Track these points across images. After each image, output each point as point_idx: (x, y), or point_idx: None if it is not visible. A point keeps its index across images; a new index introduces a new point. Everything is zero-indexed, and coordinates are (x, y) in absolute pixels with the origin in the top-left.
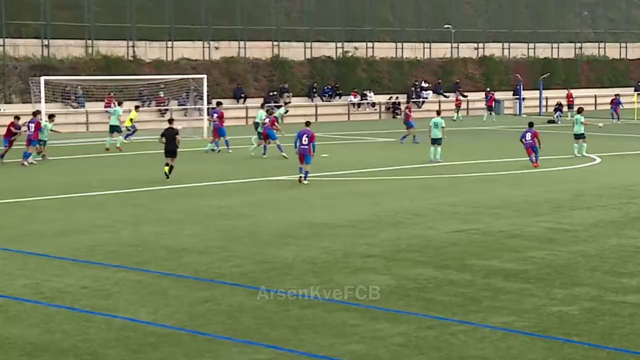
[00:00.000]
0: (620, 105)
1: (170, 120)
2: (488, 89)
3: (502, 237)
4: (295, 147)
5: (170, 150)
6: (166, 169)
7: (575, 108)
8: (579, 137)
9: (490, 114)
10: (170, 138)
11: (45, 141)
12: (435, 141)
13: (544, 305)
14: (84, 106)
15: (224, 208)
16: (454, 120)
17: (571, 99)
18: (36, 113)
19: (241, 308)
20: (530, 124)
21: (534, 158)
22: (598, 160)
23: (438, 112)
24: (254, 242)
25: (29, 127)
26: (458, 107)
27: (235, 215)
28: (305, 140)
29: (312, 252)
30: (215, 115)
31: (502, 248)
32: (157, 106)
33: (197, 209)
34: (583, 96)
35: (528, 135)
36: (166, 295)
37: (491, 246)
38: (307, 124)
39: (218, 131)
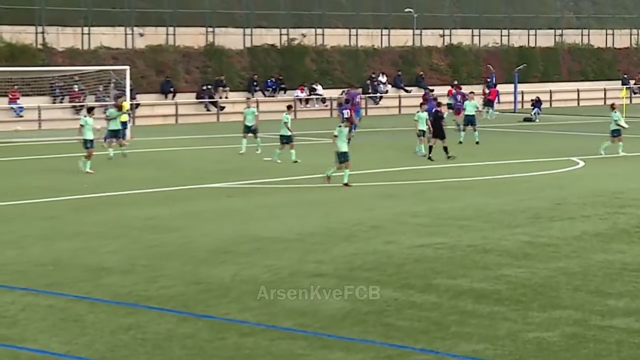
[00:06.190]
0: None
1: (438, 104)
2: (455, 83)
3: (472, 253)
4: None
5: (438, 132)
6: (440, 152)
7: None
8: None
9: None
10: (436, 120)
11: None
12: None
13: (519, 330)
14: None
15: (152, 220)
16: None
17: (495, 96)
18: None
19: (170, 336)
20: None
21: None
22: (581, 163)
23: (421, 105)
24: (185, 259)
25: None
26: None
27: (165, 228)
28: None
29: (253, 270)
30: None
31: (472, 265)
32: (71, 102)
33: (120, 221)
34: (564, 90)
35: None
36: (82, 323)
37: (460, 263)
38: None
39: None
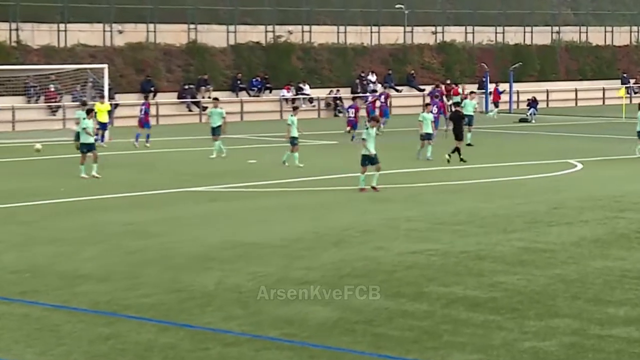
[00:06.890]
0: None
1: (457, 104)
2: (448, 82)
3: (466, 259)
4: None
5: (457, 133)
6: (453, 154)
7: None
8: None
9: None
10: (457, 121)
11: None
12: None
13: (515, 340)
14: None
15: (132, 225)
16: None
17: (497, 97)
18: (147, 97)
19: (151, 347)
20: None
21: None
22: (579, 166)
23: (427, 105)
24: (166, 266)
25: (141, 110)
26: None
27: (145, 233)
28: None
29: (238, 278)
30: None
31: (465, 272)
32: (46, 102)
33: (98, 227)
34: (561, 90)
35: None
36: (59, 332)
37: (453, 270)
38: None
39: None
